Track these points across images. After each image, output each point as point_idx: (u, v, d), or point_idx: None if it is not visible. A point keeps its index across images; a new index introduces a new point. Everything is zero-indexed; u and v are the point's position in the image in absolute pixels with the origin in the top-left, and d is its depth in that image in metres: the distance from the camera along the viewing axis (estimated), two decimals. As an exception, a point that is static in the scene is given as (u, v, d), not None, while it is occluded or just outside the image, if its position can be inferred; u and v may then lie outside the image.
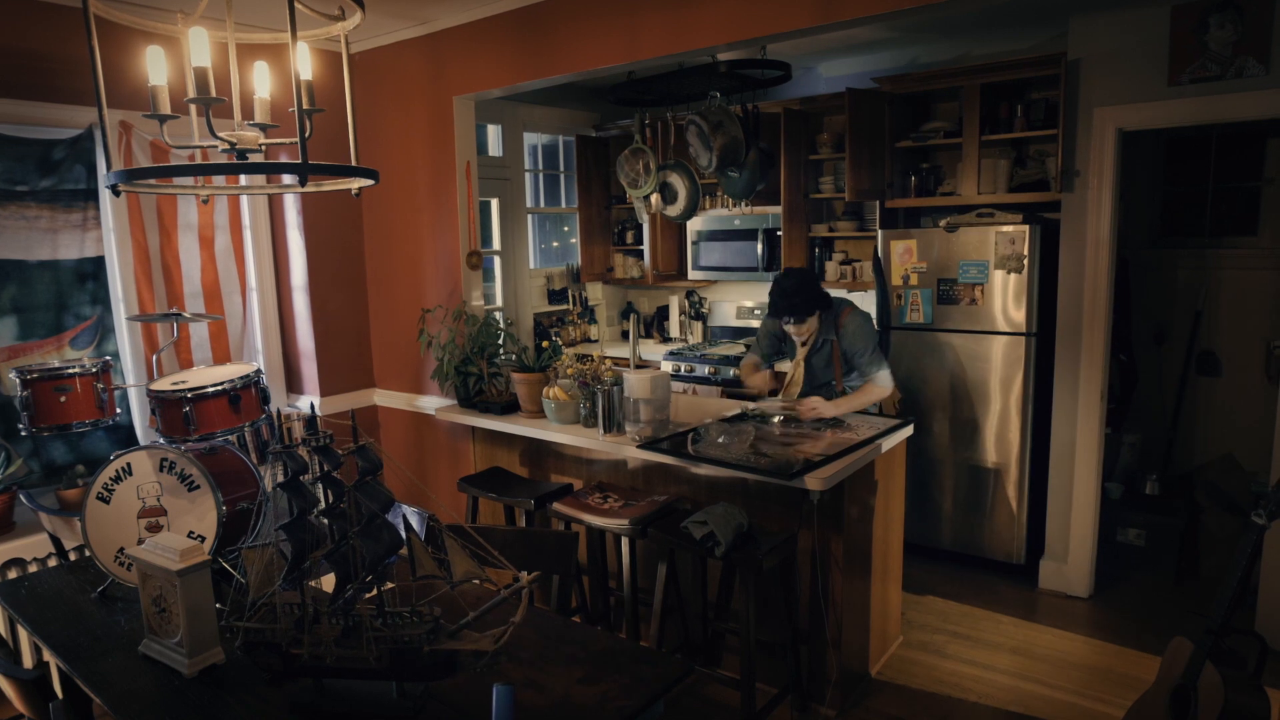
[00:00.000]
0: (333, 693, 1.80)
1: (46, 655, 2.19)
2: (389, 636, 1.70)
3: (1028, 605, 4.00)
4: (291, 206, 4.23)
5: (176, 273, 3.84)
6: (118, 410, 3.00)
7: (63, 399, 2.81)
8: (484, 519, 3.95)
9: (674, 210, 4.21)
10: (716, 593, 3.24)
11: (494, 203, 5.32)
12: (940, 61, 4.79)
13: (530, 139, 5.82)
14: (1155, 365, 4.77)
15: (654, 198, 4.14)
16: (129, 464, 2.44)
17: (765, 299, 3.57)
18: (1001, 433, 4.18)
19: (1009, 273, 4.05)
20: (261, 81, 1.87)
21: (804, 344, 3.59)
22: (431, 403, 4.26)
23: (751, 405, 3.60)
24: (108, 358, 3.08)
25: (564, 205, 6.17)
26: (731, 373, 4.94)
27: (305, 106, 1.79)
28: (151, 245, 3.74)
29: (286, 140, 1.94)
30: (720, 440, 3.19)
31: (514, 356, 3.93)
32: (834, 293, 3.72)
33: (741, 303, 5.70)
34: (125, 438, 3.72)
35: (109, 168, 1.77)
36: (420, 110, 4.13)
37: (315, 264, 4.27)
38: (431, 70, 4.04)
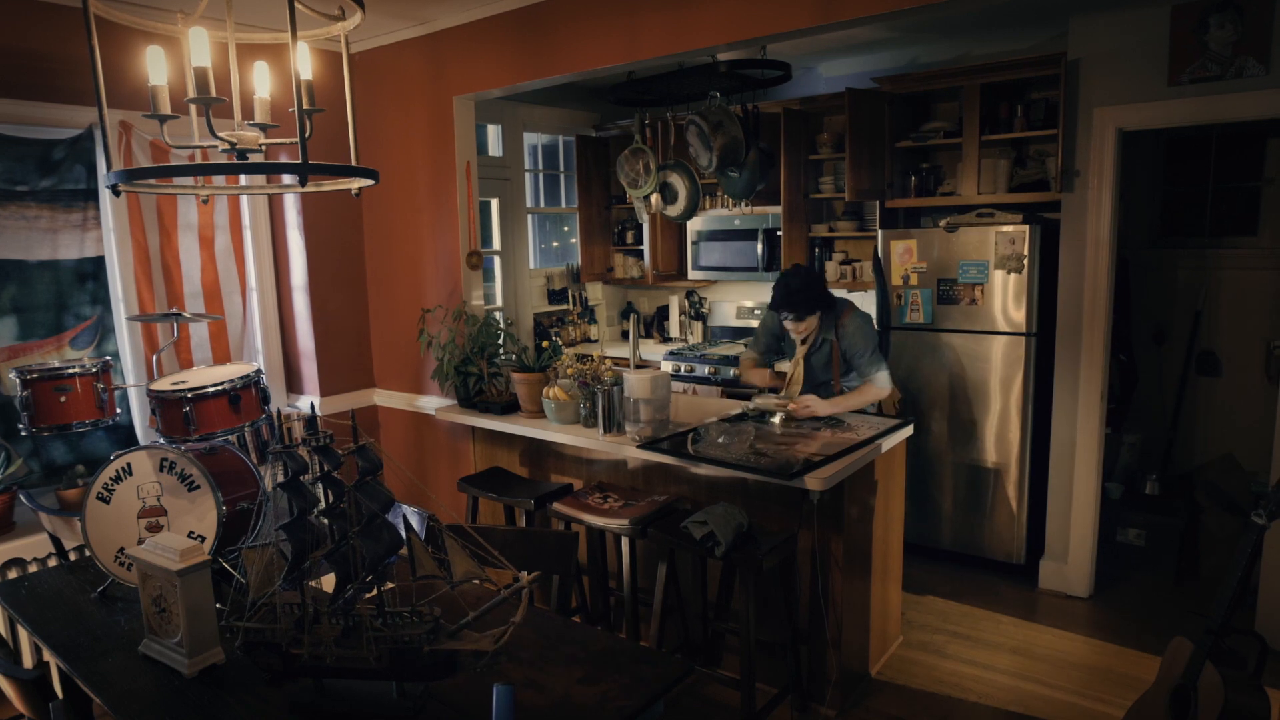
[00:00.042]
0: (333, 693, 1.80)
1: (46, 655, 2.19)
2: (389, 636, 1.70)
3: (1028, 605, 4.00)
4: (291, 206, 4.23)
5: (176, 273, 3.84)
6: (118, 410, 3.00)
7: (63, 399, 2.81)
8: (484, 519, 3.95)
9: (674, 210, 4.21)
10: (716, 593, 3.24)
11: (494, 203, 5.32)
12: (940, 61, 4.79)
13: (530, 139, 5.82)
14: (1155, 365, 4.77)
15: (654, 198, 4.14)
16: (129, 464, 2.44)
17: (765, 299, 3.58)
18: (1001, 433, 4.18)
19: (1009, 273, 4.05)
20: (261, 81, 1.87)
21: (803, 343, 3.59)
22: (431, 403, 4.26)
23: (750, 404, 3.60)
24: (108, 358, 3.08)
25: (564, 205, 6.17)
26: (731, 372, 4.94)
27: (305, 106, 1.79)
28: (151, 245, 3.74)
29: (286, 140, 1.94)
30: (720, 440, 3.19)
31: (514, 356, 3.93)
32: (834, 293, 3.71)
33: (741, 303, 5.70)
34: (125, 438, 3.72)
35: (109, 168, 1.77)
36: (420, 110, 4.13)
37: (315, 264, 4.27)
38: (431, 70, 4.04)
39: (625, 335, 6.25)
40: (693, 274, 5.54)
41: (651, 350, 5.58)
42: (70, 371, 2.83)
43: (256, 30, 2.63)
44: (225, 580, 2.23)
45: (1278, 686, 3.12)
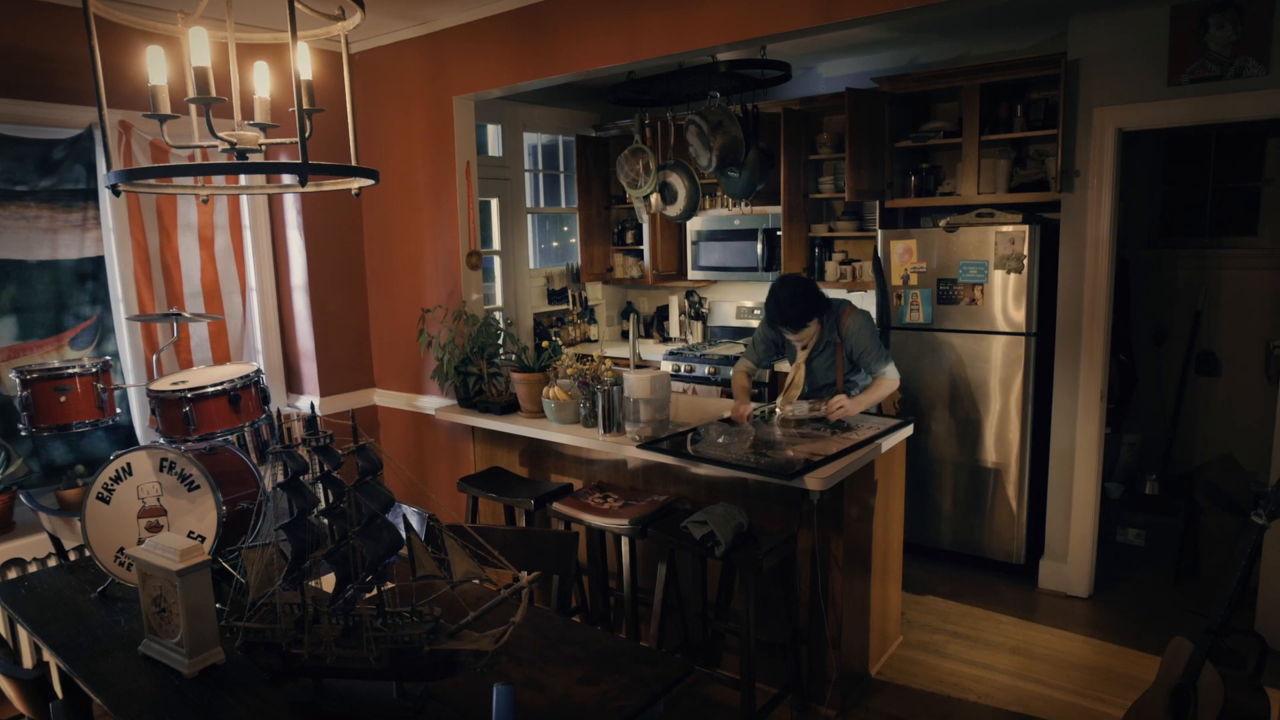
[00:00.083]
0: (333, 693, 1.80)
1: (46, 655, 2.19)
2: (389, 636, 1.70)
3: (1028, 605, 4.00)
4: (291, 206, 4.23)
5: (176, 273, 3.84)
6: (118, 410, 3.00)
7: (63, 399, 2.81)
8: (484, 519, 3.95)
9: (674, 210, 4.21)
10: (716, 593, 3.24)
11: (494, 203, 5.32)
12: (940, 61, 4.79)
13: (530, 139, 5.82)
14: (1155, 365, 4.77)
15: (654, 198, 4.14)
16: (129, 464, 2.44)
17: (765, 299, 3.56)
18: (1001, 433, 4.18)
19: (1009, 273, 4.05)
20: (261, 81, 1.87)
21: (804, 348, 3.59)
22: (431, 403, 4.26)
23: (789, 410, 3.47)
24: (108, 358, 3.08)
25: (564, 205, 6.17)
26: (731, 373, 4.93)
27: (305, 106, 1.79)
28: (151, 245, 3.74)
29: (286, 140, 1.94)
30: (720, 440, 3.19)
31: (514, 356, 3.93)
32: (833, 293, 3.71)
33: (741, 303, 5.70)
34: (125, 438, 3.72)
35: (109, 168, 1.77)
36: (420, 110, 4.13)
37: (315, 264, 4.27)
38: (431, 70, 4.04)
39: (625, 335, 6.25)
40: (692, 274, 5.54)
41: (651, 350, 5.58)
42: (70, 371, 2.83)
43: (256, 30, 2.63)
44: (225, 580, 2.23)
45: (1278, 686, 3.12)
